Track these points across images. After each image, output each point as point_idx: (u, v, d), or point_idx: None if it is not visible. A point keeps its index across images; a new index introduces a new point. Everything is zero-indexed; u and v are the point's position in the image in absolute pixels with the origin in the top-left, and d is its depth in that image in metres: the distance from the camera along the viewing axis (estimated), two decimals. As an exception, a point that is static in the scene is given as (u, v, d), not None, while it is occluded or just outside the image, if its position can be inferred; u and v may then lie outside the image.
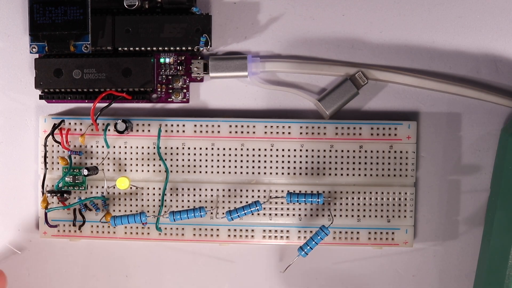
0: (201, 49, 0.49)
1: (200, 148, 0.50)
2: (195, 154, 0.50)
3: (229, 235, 0.50)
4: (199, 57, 0.50)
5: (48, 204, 0.49)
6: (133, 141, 0.50)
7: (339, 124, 0.49)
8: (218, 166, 0.50)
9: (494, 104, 0.49)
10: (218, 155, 0.50)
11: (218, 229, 0.50)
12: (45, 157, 0.50)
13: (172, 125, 0.50)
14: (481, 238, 0.49)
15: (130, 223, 0.47)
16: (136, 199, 0.50)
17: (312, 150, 0.49)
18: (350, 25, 0.50)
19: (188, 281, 0.51)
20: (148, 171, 0.50)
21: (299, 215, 0.50)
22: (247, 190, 0.50)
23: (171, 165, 0.50)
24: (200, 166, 0.50)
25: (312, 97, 0.50)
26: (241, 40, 0.51)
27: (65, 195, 0.49)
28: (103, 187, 0.50)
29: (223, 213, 0.49)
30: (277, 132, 0.49)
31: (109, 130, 0.49)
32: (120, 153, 0.50)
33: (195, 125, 0.50)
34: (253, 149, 0.50)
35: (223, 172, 0.50)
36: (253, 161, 0.50)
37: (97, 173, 0.49)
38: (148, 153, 0.50)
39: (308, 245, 0.47)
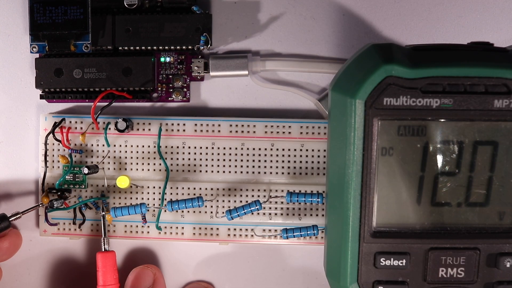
0: (202, 48, 0.49)
1: (201, 147, 0.50)
2: (195, 153, 0.50)
3: (228, 235, 0.50)
4: (200, 56, 0.50)
5: (49, 200, 0.49)
6: (134, 140, 0.50)
7: (339, 123, 0.49)
8: (218, 166, 0.50)
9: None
10: (219, 154, 0.50)
11: (218, 228, 0.50)
12: (46, 155, 0.50)
13: (172, 124, 0.50)
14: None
15: (131, 214, 0.47)
16: (136, 198, 0.50)
17: (312, 150, 0.50)
18: (350, 24, 0.50)
19: (187, 280, 0.52)
20: (149, 170, 0.50)
21: (299, 215, 0.50)
22: (247, 190, 0.50)
23: (171, 164, 0.50)
24: (201, 165, 0.50)
25: (312, 97, 0.50)
26: (242, 39, 0.51)
27: (65, 193, 0.50)
28: (103, 185, 0.50)
29: (223, 212, 0.49)
30: (278, 132, 0.49)
31: (109, 128, 0.50)
32: (120, 151, 0.50)
33: (196, 124, 0.50)
34: (253, 149, 0.50)
35: (223, 172, 0.50)
36: (253, 160, 0.50)
37: (98, 171, 0.49)
38: (149, 152, 0.50)
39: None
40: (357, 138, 0.40)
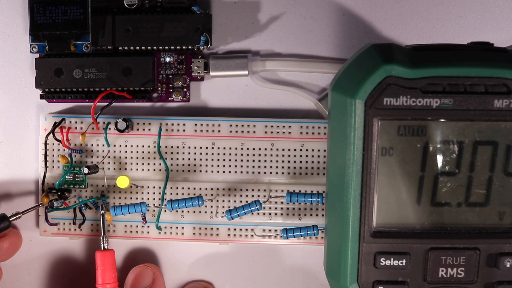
0: (202, 48, 0.49)
1: (201, 147, 0.50)
2: (195, 153, 0.50)
3: (228, 235, 0.50)
4: (200, 56, 0.50)
5: (49, 200, 0.50)
6: (134, 140, 0.50)
7: (339, 123, 0.49)
8: (218, 166, 0.50)
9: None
10: (219, 154, 0.50)
11: (218, 228, 0.50)
12: (46, 155, 0.50)
13: (172, 124, 0.50)
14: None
15: (131, 212, 0.46)
16: (136, 198, 0.50)
17: (312, 150, 0.50)
18: (350, 24, 0.50)
19: (187, 279, 0.52)
20: (149, 170, 0.50)
21: (299, 215, 0.50)
22: (247, 190, 0.50)
23: (171, 164, 0.50)
24: (201, 165, 0.50)
25: (312, 97, 0.50)
26: (242, 39, 0.51)
27: (65, 193, 0.50)
28: (103, 185, 0.50)
29: (223, 212, 0.49)
30: (277, 132, 0.49)
31: (109, 128, 0.50)
32: (120, 151, 0.50)
33: (196, 124, 0.50)
34: (253, 149, 0.50)
35: (223, 172, 0.50)
36: (253, 160, 0.50)
37: (98, 171, 0.49)
38: (149, 152, 0.50)
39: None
40: (357, 138, 0.40)
